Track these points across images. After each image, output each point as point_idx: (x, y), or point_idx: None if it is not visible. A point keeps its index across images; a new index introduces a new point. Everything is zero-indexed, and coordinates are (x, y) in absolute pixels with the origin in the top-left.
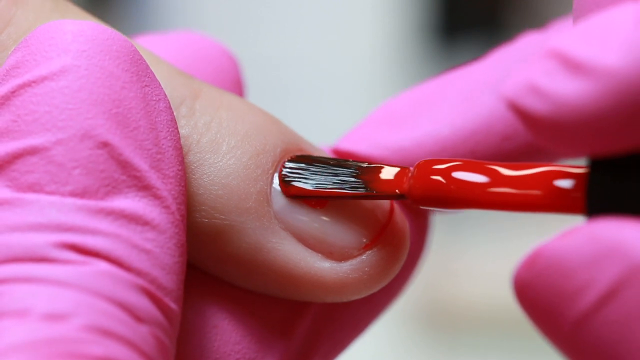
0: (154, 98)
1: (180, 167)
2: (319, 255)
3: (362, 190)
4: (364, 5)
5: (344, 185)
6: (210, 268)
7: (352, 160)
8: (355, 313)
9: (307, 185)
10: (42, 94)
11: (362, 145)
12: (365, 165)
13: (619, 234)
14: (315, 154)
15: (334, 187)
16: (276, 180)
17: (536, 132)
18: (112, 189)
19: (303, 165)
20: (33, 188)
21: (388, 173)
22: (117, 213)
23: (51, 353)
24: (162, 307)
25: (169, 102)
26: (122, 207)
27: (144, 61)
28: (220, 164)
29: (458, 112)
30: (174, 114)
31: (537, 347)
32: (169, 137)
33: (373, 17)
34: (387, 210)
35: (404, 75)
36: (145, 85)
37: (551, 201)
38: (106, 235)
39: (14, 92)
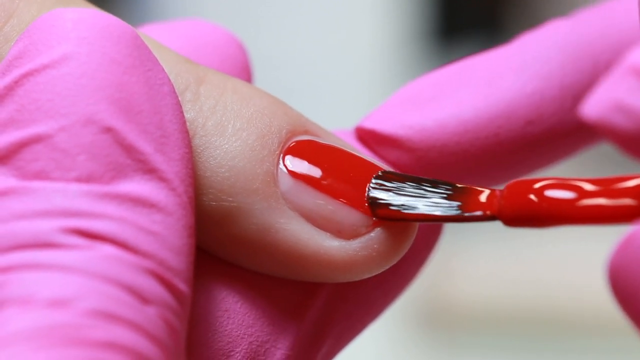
0: (158, 82)
1: (186, 150)
2: (328, 234)
3: (453, 213)
4: (363, 6)
5: (435, 208)
6: (219, 251)
7: (442, 181)
8: (368, 295)
9: (395, 207)
10: (44, 82)
11: (385, 124)
12: (457, 186)
13: None
14: (324, 136)
15: (426, 211)
16: (283, 162)
17: (627, 148)
18: (117, 173)
19: (392, 184)
20: (39, 176)
21: (479, 195)
22: (122, 197)
23: (54, 340)
24: (171, 289)
25: (172, 86)
26: (128, 190)
27: (146, 46)
28: (226, 146)
29: (481, 95)
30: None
31: (535, 347)
32: (173, 120)
33: (373, 18)
34: None
35: (403, 77)
36: (148, 70)
37: None
38: (112, 219)
39: (17, 82)
